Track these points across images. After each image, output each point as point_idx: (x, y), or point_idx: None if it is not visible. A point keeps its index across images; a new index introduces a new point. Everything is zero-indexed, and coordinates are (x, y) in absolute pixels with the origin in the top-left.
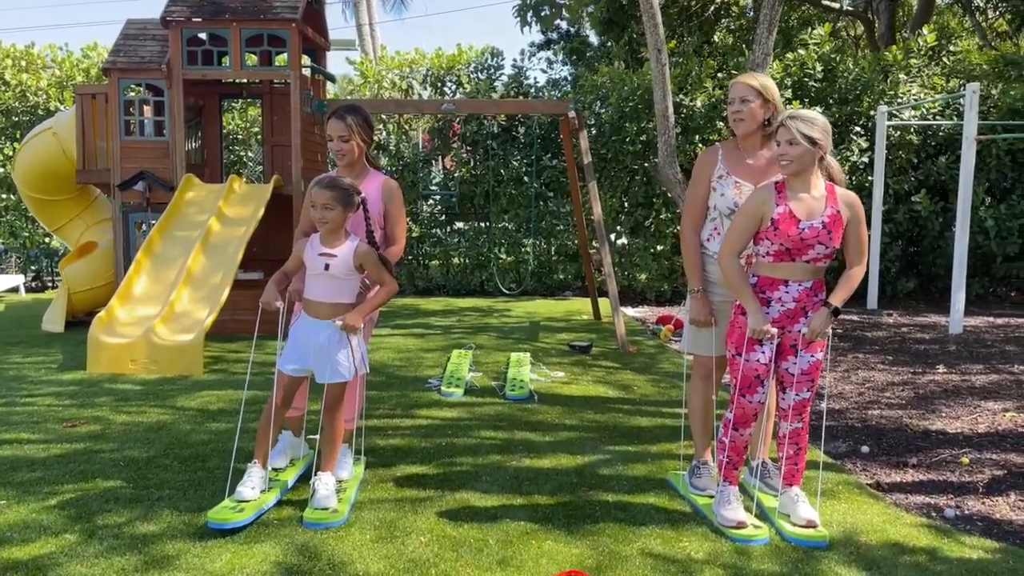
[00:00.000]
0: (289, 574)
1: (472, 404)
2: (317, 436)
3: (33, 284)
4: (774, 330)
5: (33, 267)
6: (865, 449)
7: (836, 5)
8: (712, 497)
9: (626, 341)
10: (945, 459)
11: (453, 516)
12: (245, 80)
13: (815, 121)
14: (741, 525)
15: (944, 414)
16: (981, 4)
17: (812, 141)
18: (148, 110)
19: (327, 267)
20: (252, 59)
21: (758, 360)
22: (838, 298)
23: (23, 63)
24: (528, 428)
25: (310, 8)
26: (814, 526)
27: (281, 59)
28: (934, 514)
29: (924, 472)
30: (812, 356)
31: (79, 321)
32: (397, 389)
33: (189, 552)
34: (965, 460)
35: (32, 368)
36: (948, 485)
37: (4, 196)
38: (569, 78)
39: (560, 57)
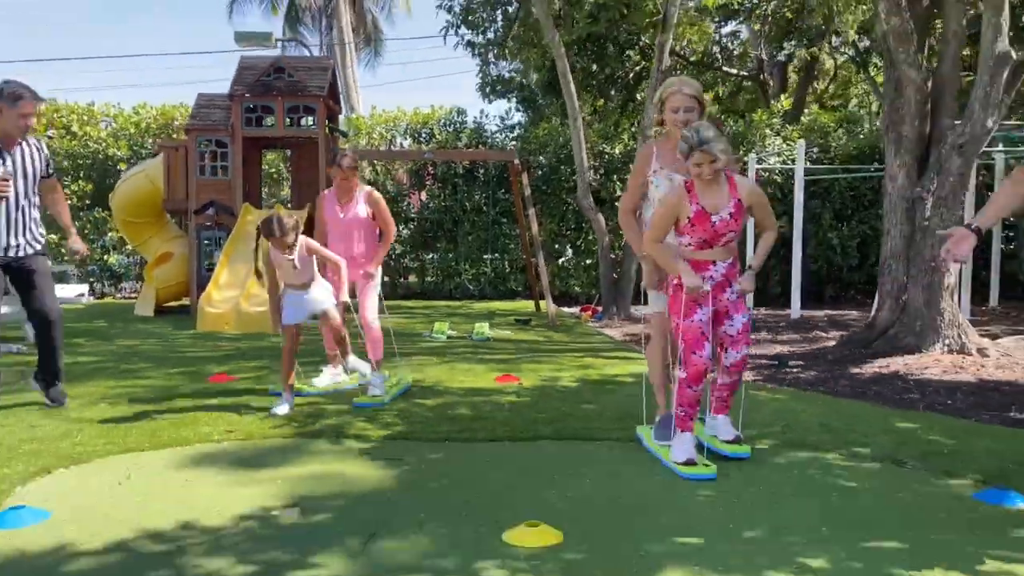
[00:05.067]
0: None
1: (452, 343)
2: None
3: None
4: (707, 286)
5: (91, 279)
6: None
7: (735, 71)
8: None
9: (554, 316)
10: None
11: (447, 372)
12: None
13: (720, 137)
14: (690, 463)
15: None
16: (878, 63)
17: (725, 152)
18: (212, 157)
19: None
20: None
21: (700, 319)
22: (758, 260)
23: (85, 118)
24: (486, 349)
25: (331, 85)
26: (740, 441)
27: (307, 121)
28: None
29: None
30: (743, 316)
31: (160, 309)
32: (404, 341)
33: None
34: None
35: (160, 330)
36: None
37: None
38: (522, 122)
39: (514, 104)
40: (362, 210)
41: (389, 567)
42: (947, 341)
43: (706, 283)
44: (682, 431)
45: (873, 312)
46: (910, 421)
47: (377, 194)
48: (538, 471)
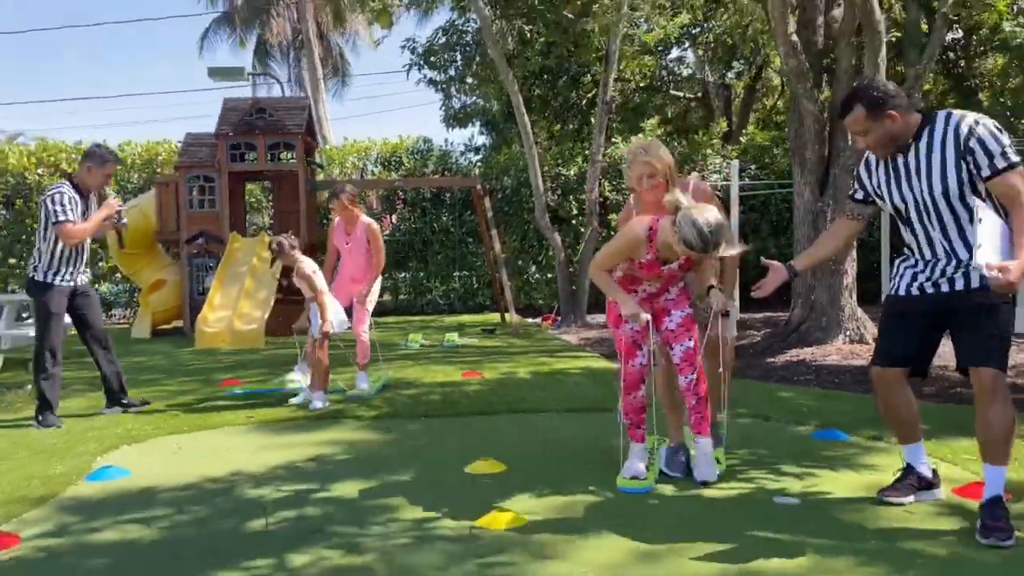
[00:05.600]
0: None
1: (426, 350)
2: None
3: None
4: (646, 316)
5: None
6: None
7: (681, 94)
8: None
9: (517, 325)
10: None
11: (422, 372)
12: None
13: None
14: (636, 477)
15: None
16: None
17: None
18: (200, 191)
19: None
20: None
21: (633, 328)
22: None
23: (74, 155)
24: (455, 354)
25: (308, 123)
26: (707, 485)
27: (285, 156)
28: None
29: None
30: (682, 311)
31: (156, 331)
32: (383, 350)
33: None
34: None
35: (162, 348)
36: None
37: None
38: (486, 144)
39: (477, 128)
40: (362, 238)
41: (387, 488)
42: (848, 333)
43: (636, 296)
44: (632, 441)
45: (790, 311)
46: (791, 393)
47: (375, 226)
48: (494, 435)
